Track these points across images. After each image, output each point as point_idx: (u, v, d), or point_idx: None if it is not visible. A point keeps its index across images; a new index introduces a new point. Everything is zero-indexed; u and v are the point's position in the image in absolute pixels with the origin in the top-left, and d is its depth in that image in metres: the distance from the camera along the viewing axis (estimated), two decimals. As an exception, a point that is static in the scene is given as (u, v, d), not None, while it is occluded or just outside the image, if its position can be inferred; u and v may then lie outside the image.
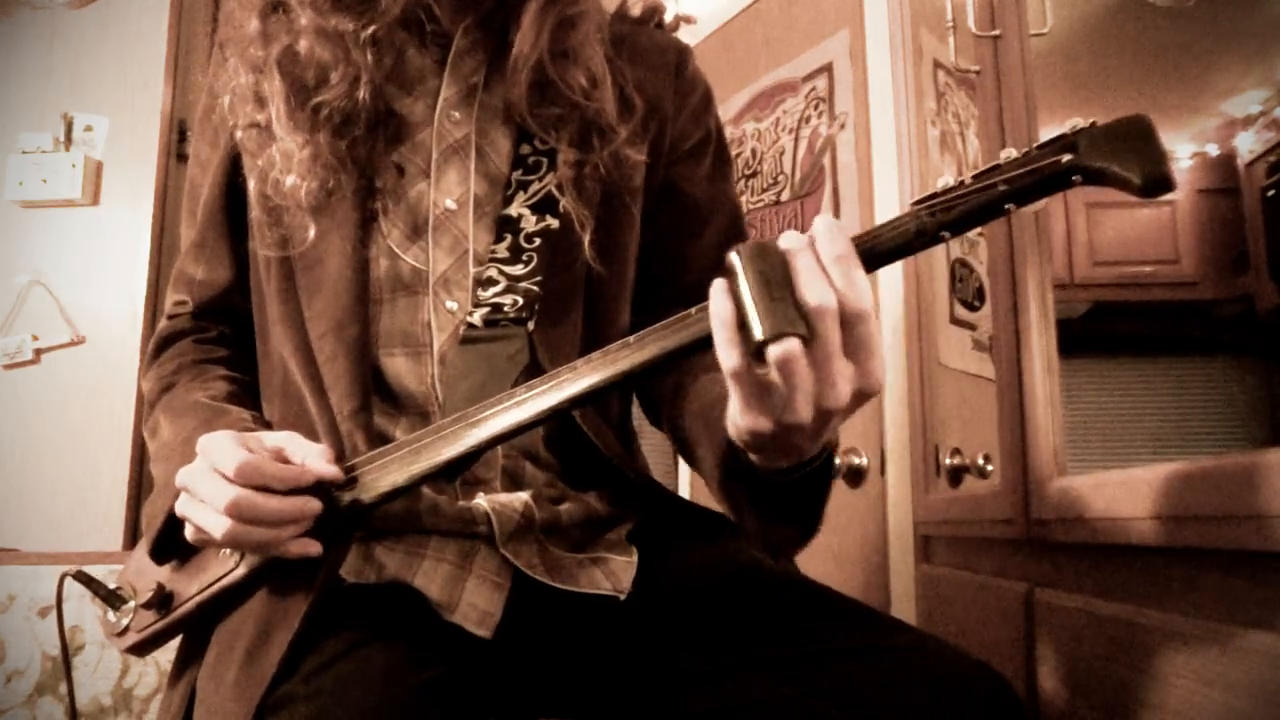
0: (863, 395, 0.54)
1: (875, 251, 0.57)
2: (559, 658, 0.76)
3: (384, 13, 0.78)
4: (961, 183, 0.57)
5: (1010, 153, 0.56)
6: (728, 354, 0.53)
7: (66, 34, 2.29)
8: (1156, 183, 0.53)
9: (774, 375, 0.52)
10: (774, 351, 0.50)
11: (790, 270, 0.52)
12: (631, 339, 0.63)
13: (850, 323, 0.52)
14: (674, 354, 0.62)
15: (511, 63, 0.80)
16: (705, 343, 0.60)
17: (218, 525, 0.66)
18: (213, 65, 0.88)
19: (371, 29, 0.77)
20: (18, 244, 2.20)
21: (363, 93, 0.77)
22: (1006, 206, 0.56)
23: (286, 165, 0.77)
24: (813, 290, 0.51)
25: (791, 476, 0.61)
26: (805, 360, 0.51)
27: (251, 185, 0.82)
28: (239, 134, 0.82)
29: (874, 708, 0.65)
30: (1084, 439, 2.60)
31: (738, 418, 0.56)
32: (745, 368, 0.53)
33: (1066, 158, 0.55)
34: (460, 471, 0.76)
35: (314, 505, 0.67)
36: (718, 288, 0.54)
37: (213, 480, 0.66)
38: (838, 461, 0.67)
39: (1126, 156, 0.54)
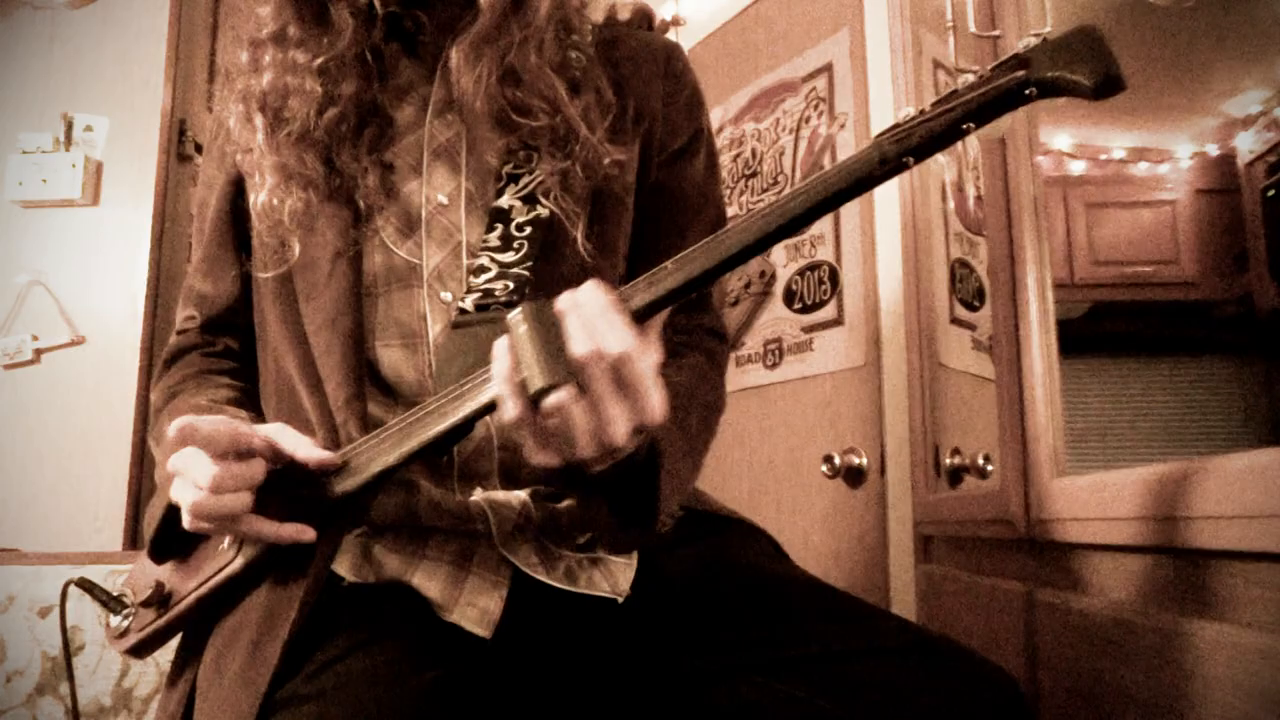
0: (641, 428, 0.60)
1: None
2: (558, 658, 0.76)
3: (330, 46, 0.83)
4: (922, 111, 0.58)
5: (968, 78, 0.58)
6: (512, 405, 0.59)
7: (66, 34, 2.29)
8: (1107, 83, 0.56)
9: (552, 421, 0.57)
10: (549, 401, 0.56)
11: (562, 328, 0.58)
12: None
13: (616, 367, 0.57)
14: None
15: (457, 104, 0.83)
16: None
17: (191, 497, 0.67)
18: (218, 91, 0.94)
19: (320, 59, 0.83)
20: (18, 244, 2.20)
21: (327, 115, 0.82)
22: (965, 126, 0.58)
23: (272, 186, 0.82)
24: (579, 344, 0.57)
25: (613, 471, 0.66)
26: (580, 405, 0.57)
27: (252, 204, 0.85)
28: (238, 157, 0.87)
29: (879, 708, 0.65)
30: (1084, 439, 2.60)
31: (531, 459, 0.61)
32: (529, 417, 0.59)
33: (1020, 74, 0.57)
34: (450, 446, 0.77)
35: (257, 467, 0.69)
36: (500, 345, 0.59)
37: (194, 456, 0.68)
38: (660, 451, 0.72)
39: (1077, 64, 0.56)
